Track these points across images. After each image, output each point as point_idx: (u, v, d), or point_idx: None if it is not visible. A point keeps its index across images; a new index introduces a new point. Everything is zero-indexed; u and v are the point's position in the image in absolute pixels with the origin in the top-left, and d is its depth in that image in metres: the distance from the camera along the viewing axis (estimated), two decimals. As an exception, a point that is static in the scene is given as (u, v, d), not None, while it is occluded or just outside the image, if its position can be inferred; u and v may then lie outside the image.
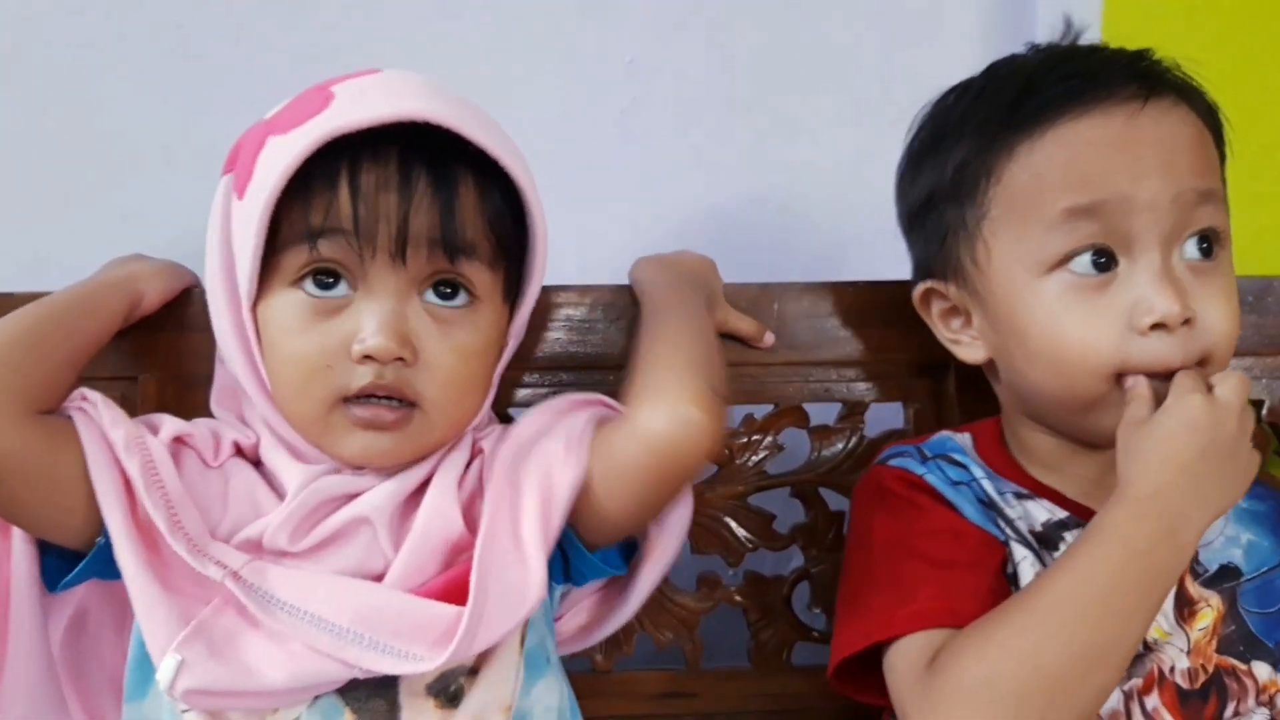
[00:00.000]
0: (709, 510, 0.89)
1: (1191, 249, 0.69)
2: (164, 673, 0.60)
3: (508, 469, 0.68)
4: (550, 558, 0.66)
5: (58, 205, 1.02)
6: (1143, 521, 0.64)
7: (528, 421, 0.72)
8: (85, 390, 0.67)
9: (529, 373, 0.86)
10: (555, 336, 0.86)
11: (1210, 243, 0.70)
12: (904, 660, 0.67)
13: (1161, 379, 0.68)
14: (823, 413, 0.90)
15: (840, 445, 0.90)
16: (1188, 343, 0.68)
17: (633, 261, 0.86)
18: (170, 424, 0.68)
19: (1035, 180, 0.70)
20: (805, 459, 0.90)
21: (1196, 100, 0.72)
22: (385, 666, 0.62)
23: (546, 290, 0.85)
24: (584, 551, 0.70)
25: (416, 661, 0.61)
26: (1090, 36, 0.77)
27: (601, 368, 0.86)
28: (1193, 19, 1.08)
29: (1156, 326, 0.67)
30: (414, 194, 0.63)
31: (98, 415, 0.65)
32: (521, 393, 0.87)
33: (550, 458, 0.68)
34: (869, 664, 0.70)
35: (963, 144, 0.74)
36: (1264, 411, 0.92)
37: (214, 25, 1.02)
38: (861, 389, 0.90)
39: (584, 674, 0.87)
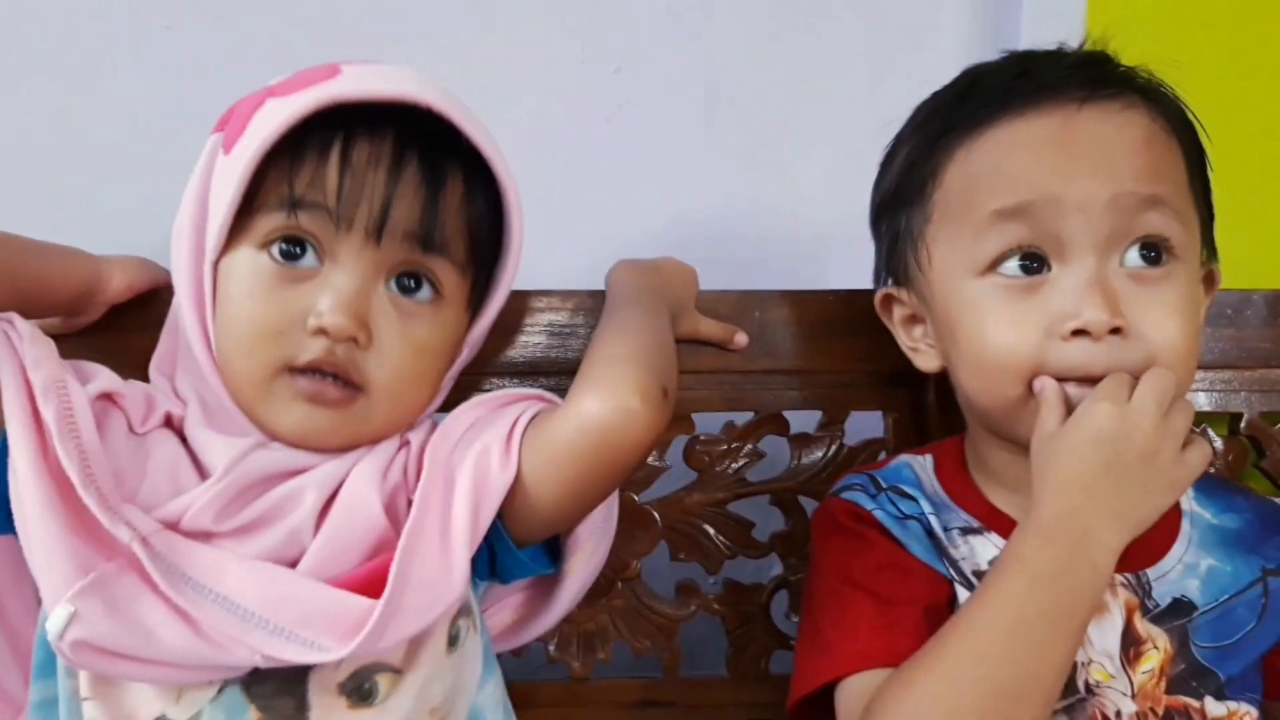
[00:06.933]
0: (688, 517, 0.89)
1: (1134, 256, 0.66)
2: (54, 622, 0.56)
3: (442, 463, 0.66)
4: (476, 554, 0.65)
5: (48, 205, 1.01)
6: (1046, 548, 0.62)
7: (461, 414, 0.70)
8: (13, 315, 0.64)
9: (509, 377, 0.86)
10: (536, 341, 0.86)
11: (1158, 251, 0.66)
12: (845, 703, 0.66)
13: (1085, 385, 0.65)
14: (803, 420, 0.90)
15: (820, 453, 0.90)
16: (1116, 351, 0.64)
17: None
18: (104, 377, 0.65)
19: (969, 182, 0.69)
20: (785, 467, 0.90)
21: (1160, 103, 0.69)
22: (289, 654, 0.59)
23: (528, 294, 0.85)
24: (512, 548, 0.69)
25: (322, 651, 0.59)
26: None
27: (582, 373, 0.87)
28: (1177, 27, 1.06)
29: (1079, 333, 0.64)
30: (401, 177, 0.63)
31: (20, 347, 0.62)
32: (501, 397, 0.86)
33: (487, 455, 0.66)
34: (827, 693, 0.68)
35: (912, 146, 0.73)
36: (1243, 424, 0.92)
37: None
38: (841, 397, 0.90)
39: (561, 681, 0.87)
